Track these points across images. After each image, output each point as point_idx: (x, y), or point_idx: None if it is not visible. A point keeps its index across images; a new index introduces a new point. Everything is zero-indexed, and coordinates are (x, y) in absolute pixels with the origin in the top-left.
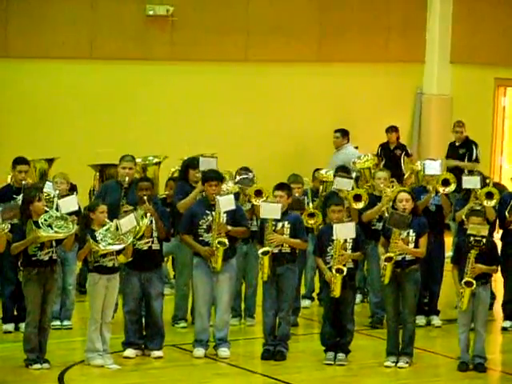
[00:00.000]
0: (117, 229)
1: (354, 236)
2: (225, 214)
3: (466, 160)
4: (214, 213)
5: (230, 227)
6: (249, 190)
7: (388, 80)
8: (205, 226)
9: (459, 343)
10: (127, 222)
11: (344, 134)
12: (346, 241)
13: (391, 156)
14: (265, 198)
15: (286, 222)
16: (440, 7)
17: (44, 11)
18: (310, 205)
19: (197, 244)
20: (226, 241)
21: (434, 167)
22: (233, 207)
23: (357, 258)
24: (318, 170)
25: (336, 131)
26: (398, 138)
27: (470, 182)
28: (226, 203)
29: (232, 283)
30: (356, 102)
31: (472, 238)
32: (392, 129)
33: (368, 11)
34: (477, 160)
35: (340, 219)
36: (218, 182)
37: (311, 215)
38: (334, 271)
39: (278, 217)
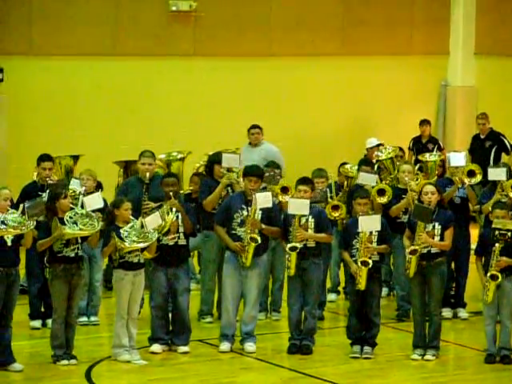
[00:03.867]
0: (142, 226)
1: (379, 228)
2: (260, 211)
3: (493, 152)
4: (249, 208)
5: (263, 225)
6: (275, 186)
7: (412, 72)
8: (239, 220)
9: (486, 335)
10: (152, 221)
11: (261, 130)
12: (371, 233)
13: (423, 150)
14: (291, 195)
15: (310, 217)
16: None
17: (67, 9)
18: (334, 197)
19: (227, 237)
20: (259, 238)
21: (458, 159)
22: (270, 205)
23: (383, 251)
24: (343, 164)
25: (255, 127)
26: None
27: (496, 173)
28: (263, 200)
29: (261, 279)
30: (380, 95)
31: (497, 232)
32: (425, 122)
33: (392, 4)
34: None
35: (365, 212)
36: (259, 178)
37: (335, 207)
38: (359, 264)
39: (307, 213)
